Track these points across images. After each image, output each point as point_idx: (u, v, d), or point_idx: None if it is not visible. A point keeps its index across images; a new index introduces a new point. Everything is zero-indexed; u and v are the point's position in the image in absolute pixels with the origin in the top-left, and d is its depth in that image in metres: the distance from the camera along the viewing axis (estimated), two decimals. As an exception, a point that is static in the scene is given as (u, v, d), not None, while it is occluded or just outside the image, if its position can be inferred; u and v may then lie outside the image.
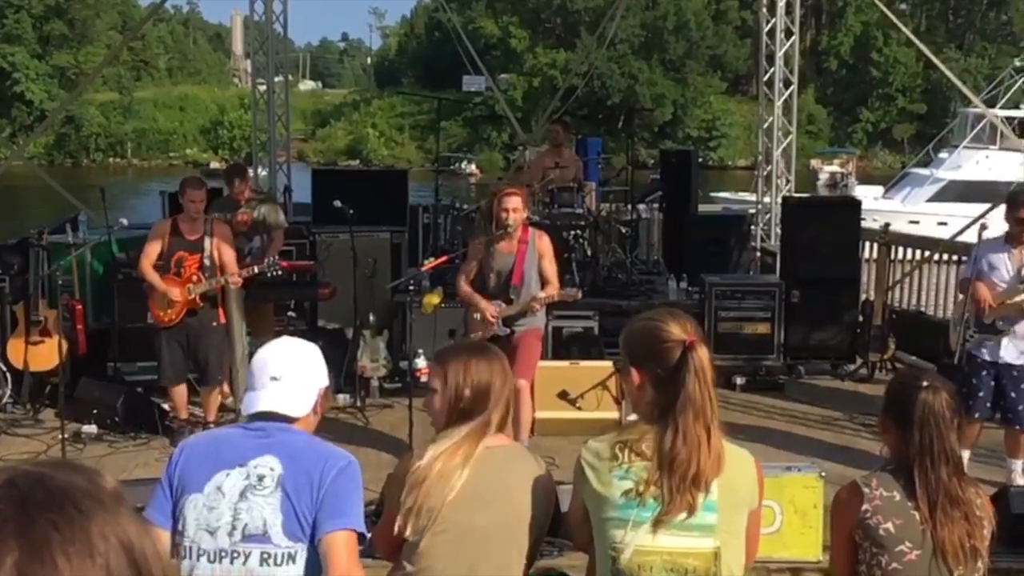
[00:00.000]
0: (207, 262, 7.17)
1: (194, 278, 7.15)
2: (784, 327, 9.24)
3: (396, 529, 2.96)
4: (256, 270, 7.32)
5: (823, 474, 5.37)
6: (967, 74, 43.32)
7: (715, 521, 2.66)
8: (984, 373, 6.41)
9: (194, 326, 7.21)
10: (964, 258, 7.95)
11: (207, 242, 7.18)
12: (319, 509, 2.73)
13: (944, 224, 18.02)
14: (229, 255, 7.29)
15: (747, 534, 2.79)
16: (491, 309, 6.60)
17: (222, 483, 2.76)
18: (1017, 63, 31.40)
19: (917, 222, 20.76)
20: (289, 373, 2.91)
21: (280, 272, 7.45)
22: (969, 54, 56.11)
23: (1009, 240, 6.47)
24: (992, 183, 22.71)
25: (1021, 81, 28.54)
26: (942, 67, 13.78)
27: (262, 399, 2.88)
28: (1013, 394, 6.44)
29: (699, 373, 2.66)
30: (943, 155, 28.37)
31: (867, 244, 10.08)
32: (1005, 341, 6.41)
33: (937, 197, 24.83)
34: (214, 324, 7.30)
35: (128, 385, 8.05)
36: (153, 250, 7.23)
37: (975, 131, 27.53)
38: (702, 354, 2.68)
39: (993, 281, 6.46)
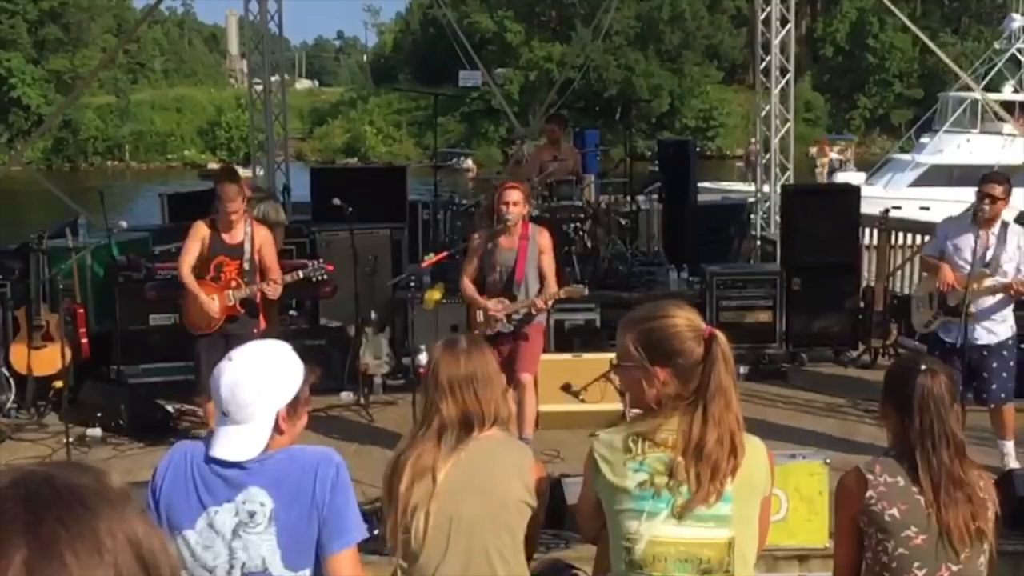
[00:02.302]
0: (247, 266, 6.94)
1: (233, 283, 6.92)
2: (786, 315, 9.24)
3: (390, 547, 2.99)
4: (301, 275, 7.06)
5: (828, 461, 5.37)
6: (963, 58, 43.20)
7: (729, 512, 2.68)
8: (954, 358, 6.31)
9: (235, 333, 6.75)
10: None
11: (247, 246, 6.94)
12: (321, 530, 2.69)
13: (927, 209, 17.98)
14: (271, 257, 7.05)
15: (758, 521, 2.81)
16: (495, 306, 6.60)
17: (213, 520, 2.70)
18: (996, 46, 31.44)
19: (899, 207, 20.79)
20: (238, 408, 2.70)
21: (325, 276, 7.18)
22: (965, 38, 55.96)
23: (976, 220, 6.40)
24: (974, 167, 22.69)
25: (1001, 64, 28.61)
26: (938, 52, 13.79)
27: (217, 441, 2.73)
28: (985, 374, 6.43)
29: (725, 361, 2.70)
30: (924, 140, 28.40)
31: (867, 230, 10.08)
32: (971, 323, 6.37)
33: (919, 182, 24.83)
34: (255, 331, 6.87)
35: (131, 387, 8.06)
36: (192, 253, 6.96)
37: (955, 115, 27.55)
38: (723, 342, 2.73)
39: (957, 262, 6.39)
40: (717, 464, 2.64)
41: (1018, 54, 30.16)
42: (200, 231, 6.98)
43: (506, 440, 3.21)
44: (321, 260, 7.28)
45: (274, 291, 6.95)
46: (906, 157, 27.53)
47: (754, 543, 2.76)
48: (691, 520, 2.65)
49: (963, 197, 17.61)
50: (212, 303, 6.86)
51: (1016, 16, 30.91)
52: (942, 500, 3.01)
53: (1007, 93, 28.12)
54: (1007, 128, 26.23)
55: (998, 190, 6.37)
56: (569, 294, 6.80)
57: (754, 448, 2.78)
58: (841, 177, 28.23)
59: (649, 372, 2.75)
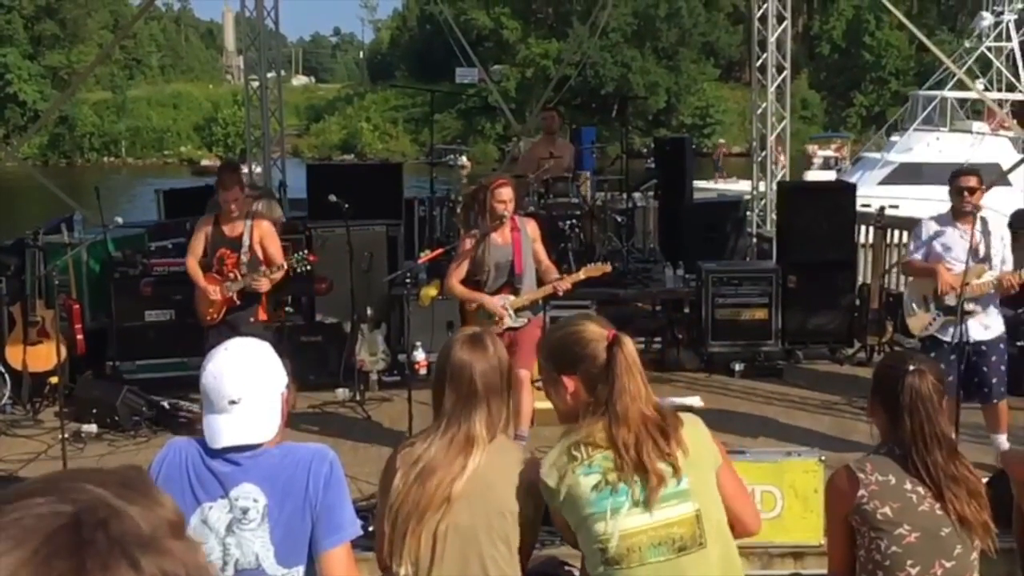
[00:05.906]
0: (244, 258, 7.06)
1: (231, 275, 7.05)
2: (781, 312, 9.22)
3: (383, 560, 2.93)
4: (284, 266, 7.14)
5: (823, 458, 5.37)
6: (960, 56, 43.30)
7: (688, 486, 2.72)
8: (952, 357, 6.26)
9: (235, 324, 7.02)
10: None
11: (246, 239, 7.07)
12: (314, 527, 2.68)
13: (895, 207, 18.02)
14: (274, 250, 7.15)
15: (730, 494, 2.84)
16: (498, 302, 6.58)
17: (207, 516, 2.68)
18: (967, 44, 31.49)
19: (868, 205, 20.83)
20: (249, 392, 2.69)
21: (309, 267, 7.27)
22: (961, 36, 56.01)
23: (957, 218, 6.39)
24: (943, 165, 22.72)
25: (971, 61, 28.69)
26: (934, 49, 13.78)
27: (225, 430, 2.68)
28: (984, 368, 6.41)
29: (629, 363, 2.76)
30: (894, 138, 28.48)
31: (863, 228, 10.08)
32: (971, 321, 6.34)
33: (889, 180, 24.85)
34: (252, 320, 7.10)
35: (127, 384, 8.05)
36: (197, 247, 7.16)
37: (925, 112, 27.62)
38: (627, 345, 2.79)
39: (949, 261, 6.36)
40: (639, 455, 2.68)
41: (987, 52, 30.22)
42: (205, 225, 7.19)
43: (508, 445, 3.04)
44: (304, 251, 7.35)
45: (261, 285, 7.04)
46: (876, 155, 27.63)
47: (721, 511, 2.79)
48: (654, 504, 2.69)
49: (932, 195, 17.63)
50: (212, 287, 7.05)
51: (986, 14, 30.98)
52: (948, 497, 3.02)
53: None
54: (976, 126, 26.32)
55: (973, 181, 6.39)
56: (589, 273, 6.77)
57: (690, 424, 2.83)
58: (811, 176, 28.48)
59: (558, 382, 2.83)
